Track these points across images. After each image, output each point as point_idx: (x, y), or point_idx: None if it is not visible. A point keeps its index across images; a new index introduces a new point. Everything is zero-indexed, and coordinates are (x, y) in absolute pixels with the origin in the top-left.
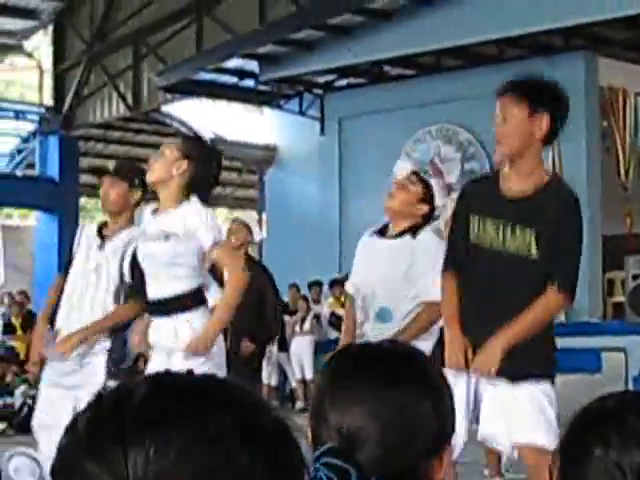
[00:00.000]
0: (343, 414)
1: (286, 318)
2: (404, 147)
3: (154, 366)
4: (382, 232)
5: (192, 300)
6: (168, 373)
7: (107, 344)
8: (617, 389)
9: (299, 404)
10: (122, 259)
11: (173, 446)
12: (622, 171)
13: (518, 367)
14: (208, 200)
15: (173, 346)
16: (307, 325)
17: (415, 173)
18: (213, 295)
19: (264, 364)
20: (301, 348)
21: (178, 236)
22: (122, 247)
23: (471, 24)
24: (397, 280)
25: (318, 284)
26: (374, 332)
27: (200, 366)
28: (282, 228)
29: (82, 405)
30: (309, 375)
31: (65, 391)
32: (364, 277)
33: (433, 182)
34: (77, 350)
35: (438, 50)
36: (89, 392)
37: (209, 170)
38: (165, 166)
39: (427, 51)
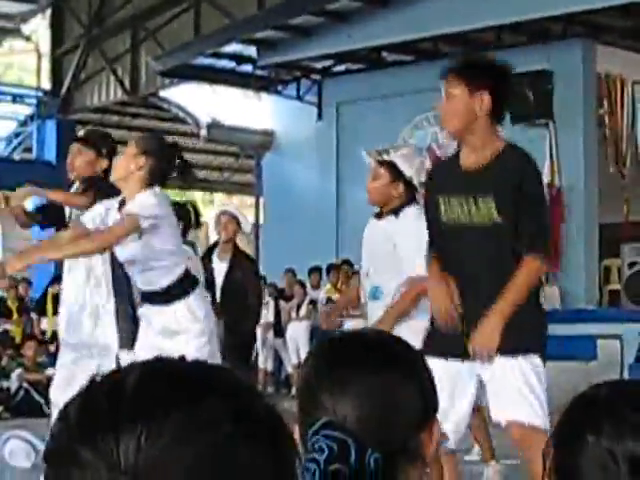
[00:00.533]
0: (334, 396)
1: (282, 304)
2: (401, 133)
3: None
4: (378, 215)
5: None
6: (160, 359)
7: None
8: (612, 377)
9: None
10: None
11: (165, 433)
12: (619, 159)
13: (506, 341)
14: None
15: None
16: (303, 311)
17: (378, 162)
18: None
19: (260, 349)
20: (297, 333)
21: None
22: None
23: (469, 10)
24: (383, 259)
25: (318, 270)
26: (370, 311)
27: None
28: (279, 213)
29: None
30: None
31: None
32: (363, 259)
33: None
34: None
35: (436, 36)
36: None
37: (168, 164)
38: (124, 163)
39: (425, 37)
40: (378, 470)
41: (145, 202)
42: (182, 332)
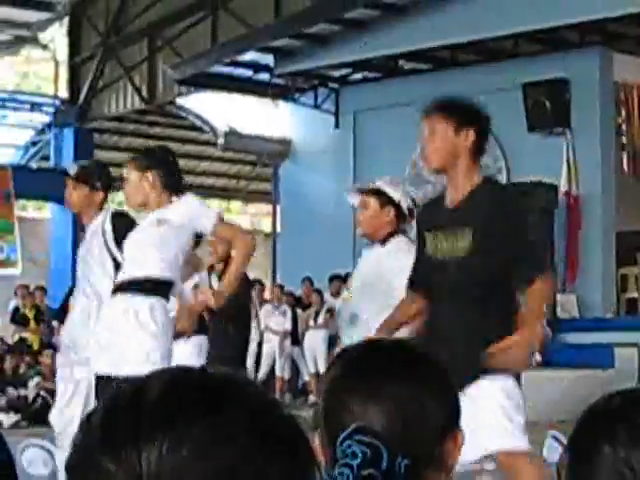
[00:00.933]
0: (364, 402)
1: (299, 312)
2: (418, 141)
3: None
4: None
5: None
6: (183, 369)
7: None
8: (630, 384)
9: (312, 398)
10: (104, 235)
11: (186, 444)
12: (636, 167)
13: (472, 365)
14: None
15: None
16: (321, 319)
17: (364, 191)
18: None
19: (277, 358)
20: (315, 342)
21: (170, 222)
22: (100, 227)
23: (486, 18)
24: (367, 290)
25: (339, 278)
26: (345, 336)
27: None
28: (296, 221)
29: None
30: (323, 369)
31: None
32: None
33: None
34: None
35: (453, 44)
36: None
37: (175, 168)
38: (135, 190)
39: (442, 45)
40: (407, 476)
41: (193, 202)
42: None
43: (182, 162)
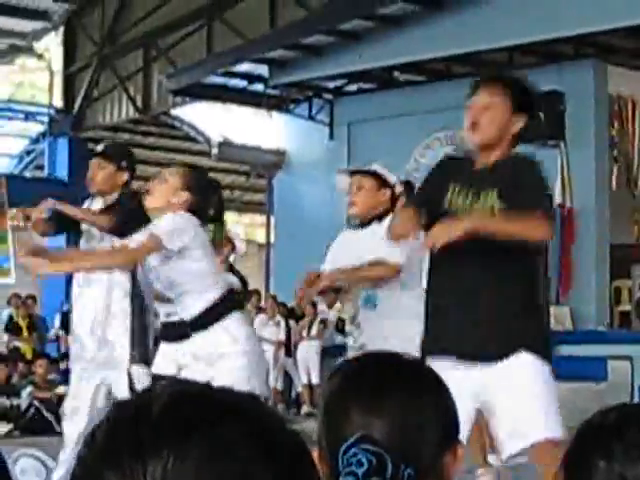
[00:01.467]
0: (366, 413)
1: (292, 323)
2: (413, 153)
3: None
4: (360, 225)
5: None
6: (187, 382)
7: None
8: (623, 398)
9: (305, 409)
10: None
11: (191, 458)
12: (630, 180)
13: (501, 344)
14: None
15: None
16: (314, 330)
17: (355, 172)
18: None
19: (270, 368)
20: (308, 353)
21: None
22: None
23: (481, 31)
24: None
25: (335, 290)
26: (364, 320)
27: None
28: (290, 232)
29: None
30: (315, 380)
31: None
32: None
33: None
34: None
35: (448, 56)
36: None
37: (207, 203)
38: (165, 194)
39: (437, 57)
40: None
41: (174, 223)
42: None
43: None
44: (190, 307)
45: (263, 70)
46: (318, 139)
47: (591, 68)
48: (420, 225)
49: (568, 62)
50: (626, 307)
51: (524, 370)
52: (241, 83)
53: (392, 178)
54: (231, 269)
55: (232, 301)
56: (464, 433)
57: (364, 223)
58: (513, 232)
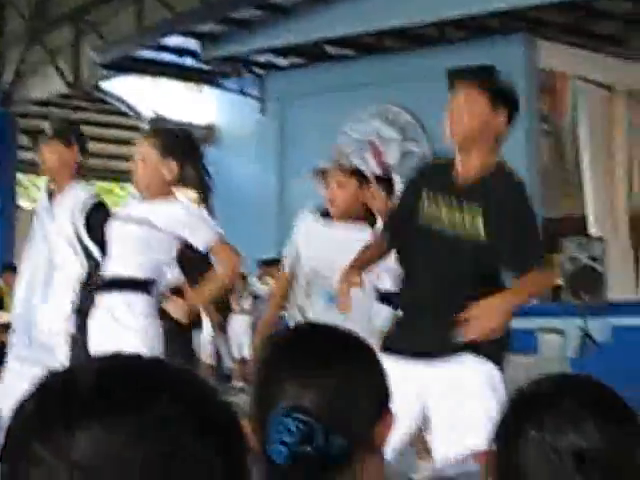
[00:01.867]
0: (298, 384)
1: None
2: (344, 127)
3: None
4: (329, 215)
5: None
6: (117, 356)
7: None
8: (554, 371)
9: (236, 383)
10: (74, 222)
11: (120, 431)
12: (561, 154)
13: (458, 345)
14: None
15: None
16: (246, 304)
17: (342, 169)
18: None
19: (201, 342)
20: (239, 327)
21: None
22: (71, 208)
23: (412, 5)
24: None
25: (266, 263)
26: (326, 314)
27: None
28: (221, 207)
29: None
30: (247, 354)
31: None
32: (319, 262)
33: (371, 162)
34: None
35: (379, 31)
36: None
37: (196, 164)
38: (151, 172)
39: (368, 31)
40: (342, 455)
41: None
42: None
43: (109, 147)
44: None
45: (194, 44)
46: (249, 114)
47: (522, 43)
48: (388, 250)
49: (499, 36)
50: (557, 281)
51: (474, 374)
52: (172, 57)
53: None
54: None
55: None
56: (407, 429)
57: (341, 218)
58: (532, 295)
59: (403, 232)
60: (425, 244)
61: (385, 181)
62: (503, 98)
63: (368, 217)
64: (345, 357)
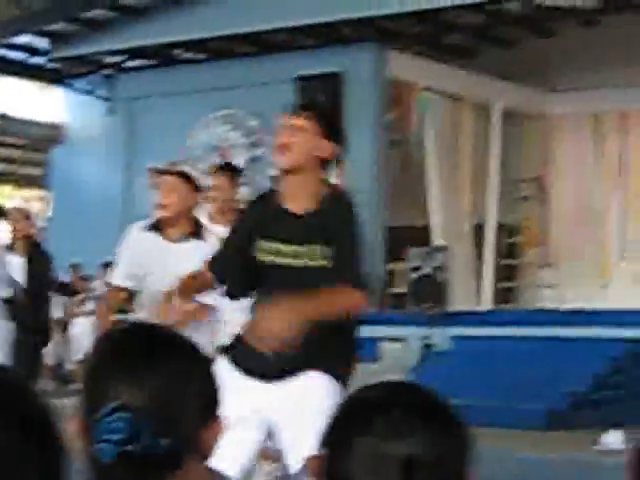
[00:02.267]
0: (122, 385)
1: (65, 299)
2: (192, 130)
3: None
4: (158, 228)
5: None
6: None
7: None
8: (394, 378)
9: (77, 385)
10: None
11: None
12: (407, 163)
13: (303, 361)
14: None
15: None
16: (88, 306)
17: (165, 172)
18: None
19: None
20: (82, 329)
21: None
22: None
23: (263, 11)
24: None
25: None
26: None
27: None
28: (67, 207)
29: None
30: None
31: None
32: (155, 277)
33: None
34: None
35: (229, 35)
36: None
37: None
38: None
39: (218, 36)
40: (167, 455)
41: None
42: None
43: None
44: None
45: (44, 43)
46: (97, 114)
47: (372, 52)
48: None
49: (349, 45)
50: (400, 289)
51: (316, 389)
52: (21, 56)
53: (201, 179)
54: (33, 244)
55: None
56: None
57: (177, 236)
58: (334, 313)
59: (236, 267)
60: (268, 277)
61: (229, 171)
62: (335, 132)
63: (196, 228)
64: (172, 358)
